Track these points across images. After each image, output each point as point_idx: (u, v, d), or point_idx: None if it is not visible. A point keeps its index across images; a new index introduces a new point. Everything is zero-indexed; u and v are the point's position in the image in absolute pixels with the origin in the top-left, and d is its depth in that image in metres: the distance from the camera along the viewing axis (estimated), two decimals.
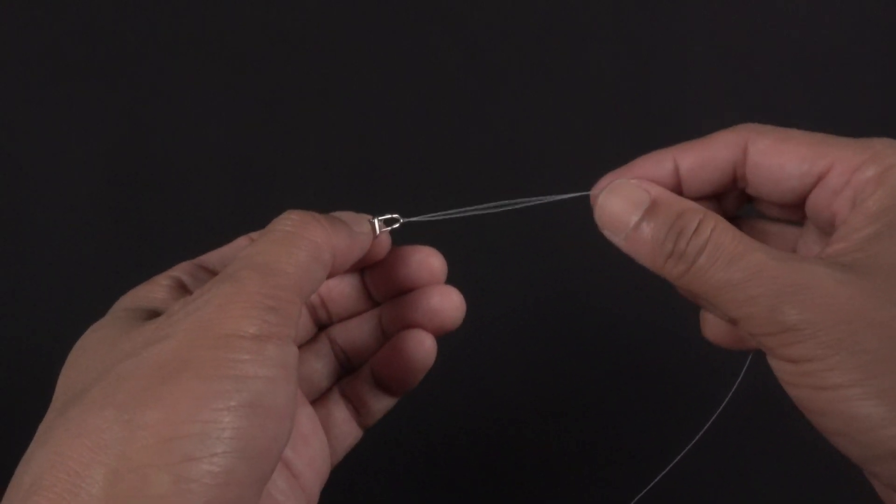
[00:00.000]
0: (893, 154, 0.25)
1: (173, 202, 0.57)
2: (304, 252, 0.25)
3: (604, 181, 0.29)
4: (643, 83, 0.57)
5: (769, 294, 0.24)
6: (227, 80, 0.57)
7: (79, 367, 0.24)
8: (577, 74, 0.57)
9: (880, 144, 0.26)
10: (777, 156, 0.27)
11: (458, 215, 0.33)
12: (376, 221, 0.30)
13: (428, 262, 0.31)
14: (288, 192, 0.57)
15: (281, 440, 0.23)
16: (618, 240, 0.28)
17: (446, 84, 0.58)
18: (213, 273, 0.29)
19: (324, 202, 0.56)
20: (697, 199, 0.29)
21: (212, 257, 0.29)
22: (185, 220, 0.57)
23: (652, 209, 0.27)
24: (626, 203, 0.28)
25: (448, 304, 0.31)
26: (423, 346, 0.31)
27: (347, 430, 0.31)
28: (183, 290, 0.27)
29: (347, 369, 0.33)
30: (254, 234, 0.30)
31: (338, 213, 0.29)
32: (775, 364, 0.25)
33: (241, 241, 0.30)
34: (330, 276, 0.27)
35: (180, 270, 0.28)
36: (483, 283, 0.55)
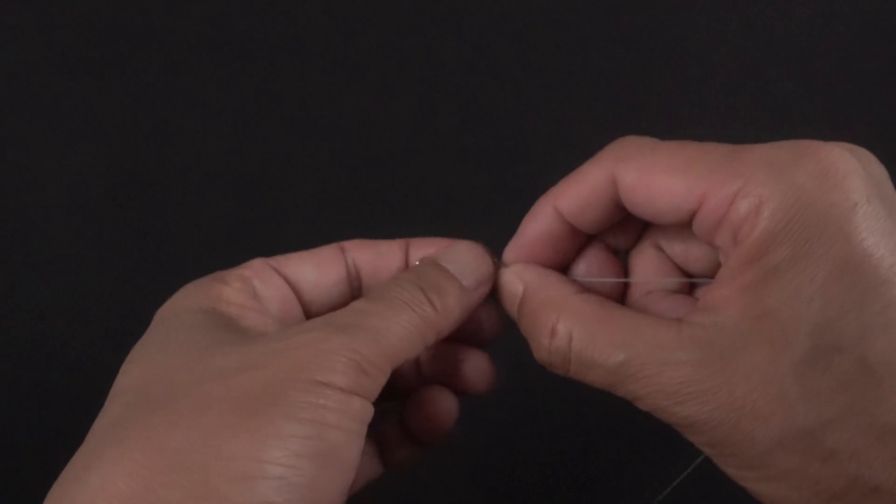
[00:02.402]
0: (765, 181, 0.22)
1: (173, 202, 0.57)
2: (413, 328, 0.25)
3: (504, 254, 0.28)
4: (643, 83, 0.57)
5: (647, 395, 0.23)
6: (228, 81, 0.57)
7: (159, 365, 0.24)
8: (577, 74, 0.57)
9: (751, 168, 0.22)
10: (645, 190, 0.24)
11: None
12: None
13: (478, 318, 0.29)
14: (288, 192, 0.57)
15: (344, 493, 0.23)
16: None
17: (446, 84, 0.58)
18: (285, 278, 0.28)
19: (324, 202, 0.56)
20: (600, 234, 0.28)
21: (289, 261, 0.29)
22: (185, 220, 0.57)
23: (521, 306, 0.27)
24: (507, 295, 0.27)
25: (475, 374, 0.30)
26: (440, 407, 0.29)
27: (369, 465, 0.30)
28: (255, 296, 0.27)
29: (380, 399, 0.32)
30: (346, 245, 0.30)
31: (460, 248, 0.28)
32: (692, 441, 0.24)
33: (331, 252, 0.29)
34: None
35: (252, 271, 0.28)
36: None
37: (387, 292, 0.26)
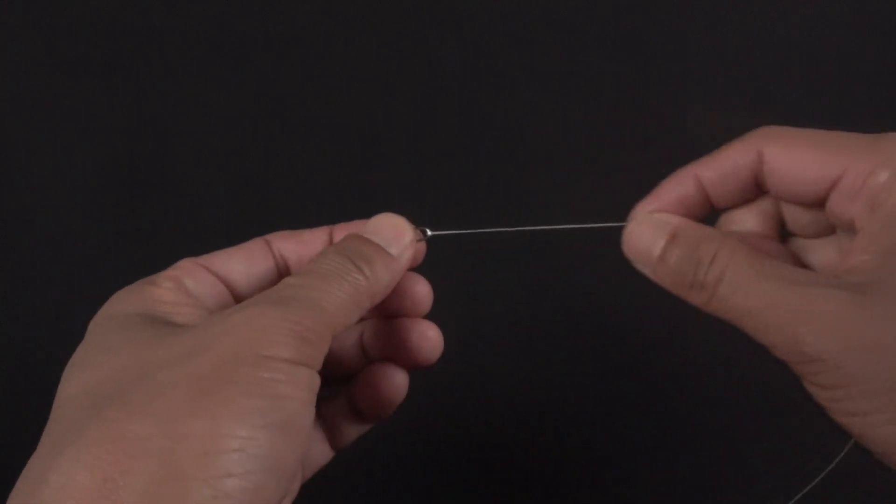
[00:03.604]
0: None
1: (173, 202, 0.57)
2: (345, 295, 0.26)
3: (634, 211, 0.30)
4: (643, 83, 0.57)
5: (787, 323, 0.24)
6: (228, 81, 0.57)
7: (103, 365, 0.24)
8: (577, 74, 0.57)
9: (889, 146, 0.25)
10: (790, 161, 0.27)
11: (486, 232, 0.32)
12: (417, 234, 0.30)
13: (412, 290, 0.30)
14: (288, 192, 0.57)
15: (300, 459, 0.23)
16: (647, 271, 0.29)
17: (446, 84, 0.58)
18: (215, 275, 0.29)
19: (324, 203, 0.56)
20: (729, 209, 0.30)
21: (217, 258, 0.29)
22: (184, 219, 0.57)
23: (672, 241, 0.28)
24: (649, 236, 0.28)
25: (424, 343, 0.30)
26: (392, 383, 0.30)
27: (318, 451, 0.31)
28: (187, 293, 0.27)
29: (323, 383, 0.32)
30: (271, 237, 0.30)
31: (380, 220, 0.29)
32: (809, 389, 0.25)
33: (257, 245, 0.30)
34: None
35: (182, 271, 0.28)
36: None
37: (316, 266, 0.26)
